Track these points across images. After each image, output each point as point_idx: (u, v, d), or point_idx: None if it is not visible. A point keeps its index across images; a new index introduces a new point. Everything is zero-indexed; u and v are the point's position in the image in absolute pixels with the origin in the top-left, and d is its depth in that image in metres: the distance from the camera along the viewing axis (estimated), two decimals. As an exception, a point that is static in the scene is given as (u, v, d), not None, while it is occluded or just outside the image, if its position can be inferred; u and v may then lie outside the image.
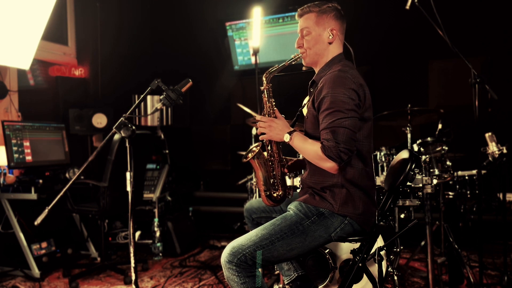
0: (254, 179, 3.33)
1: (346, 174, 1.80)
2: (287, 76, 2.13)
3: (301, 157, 2.07)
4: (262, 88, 1.97)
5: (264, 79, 1.96)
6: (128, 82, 4.77)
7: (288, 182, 2.46)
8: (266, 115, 1.97)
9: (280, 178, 2.00)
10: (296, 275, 2.14)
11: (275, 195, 1.99)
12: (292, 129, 1.87)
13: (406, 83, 4.45)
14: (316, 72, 1.97)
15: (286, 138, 1.85)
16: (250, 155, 1.98)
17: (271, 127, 1.89)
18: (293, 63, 1.97)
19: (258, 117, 1.94)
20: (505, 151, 2.88)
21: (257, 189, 3.27)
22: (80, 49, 4.63)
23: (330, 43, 1.92)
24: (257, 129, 1.95)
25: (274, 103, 1.98)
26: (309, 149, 1.78)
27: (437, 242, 3.10)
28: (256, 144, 2.02)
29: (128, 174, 2.09)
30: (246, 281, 1.73)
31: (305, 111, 2.17)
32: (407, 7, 2.56)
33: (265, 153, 2.01)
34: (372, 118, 1.87)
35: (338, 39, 1.93)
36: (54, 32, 4.32)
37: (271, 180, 2.00)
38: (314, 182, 1.88)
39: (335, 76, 1.78)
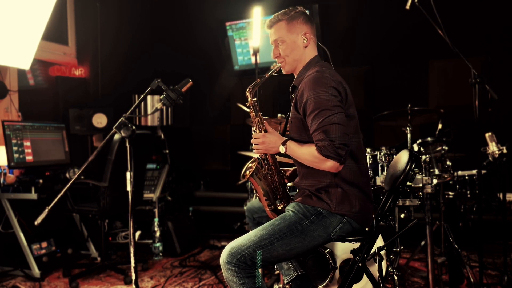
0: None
1: (339, 173, 1.80)
2: (287, 76, 2.14)
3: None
4: (248, 104, 1.97)
5: (248, 94, 1.97)
6: (128, 82, 4.77)
7: (289, 183, 2.46)
8: (257, 130, 1.97)
9: (282, 190, 2.00)
10: (295, 274, 2.14)
11: (280, 208, 1.99)
12: (284, 138, 1.88)
13: (406, 83, 4.45)
14: (295, 76, 1.99)
15: (282, 149, 1.86)
16: (248, 172, 1.98)
17: (265, 142, 1.90)
18: (273, 74, 1.99)
19: (253, 136, 1.95)
20: (505, 151, 2.88)
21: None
22: (80, 49, 4.64)
23: (305, 47, 1.94)
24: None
25: (262, 117, 1.98)
26: (305, 153, 1.78)
27: (437, 242, 3.10)
28: (252, 160, 2.02)
29: (128, 174, 2.09)
30: (246, 282, 1.73)
31: None
32: (407, 7, 2.57)
33: (262, 168, 2.00)
34: (357, 115, 1.89)
35: (312, 41, 1.96)
36: (54, 32, 4.31)
37: (274, 194, 2.00)
38: (308, 185, 1.89)
39: (314, 77, 1.80)
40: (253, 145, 1.94)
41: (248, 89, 1.97)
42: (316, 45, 2.00)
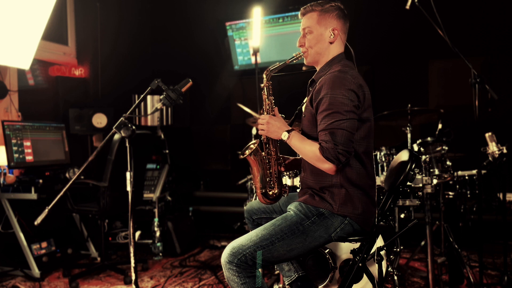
0: (250, 176, 3.33)
1: (345, 174, 1.80)
2: (287, 76, 2.14)
3: (299, 156, 2.08)
4: (262, 85, 1.97)
5: (264, 76, 1.96)
6: (128, 82, 4.77)
7: (288, 182, 2.46)
8: (265, 113, 1.97)
9: (277, 176, 2.00)
10: (296, 275, 2.14)
11: (270, 193, 1.99)
12: (290, 127, 1.87)
13: (406, 83, 4.45)
14: (317, 71, 1.97)
15: (284, 136, 1.85)
16: (247, 151, 1.98)
17: (269, 124, 1.89)
18: (294, 61, 1.97)
19: (254, 127, 1.95)
20: (505, 151, 2.88)
21: (257, 189, 3.27)
22: (80, 49, 4.63)
23: (331, 43, 1.92)
24: (257, 129, 1.96)
25: (273, 101, 1.98)
26: (307, 149, 1.78)
27: (437, 242, 3.11)
28: (254, 141, 2.02)
29: (128, 174, 2.09)
30: (246, 282, 1.73)
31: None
32: (407, 7, 2.57)
33: (263, 151, 2.01)
34: (372, 119, 1.87)
35: (339, 38, 1.93)
36: (54, 32, 4.31)
37: (267, 178, 2.00)
38: (313, 182, 1.88)
39: (335, 76, 1.78)
40: (258, 125, 1.94)
41: (266, 71, 1.95)
42: (344, 43, 1.97)
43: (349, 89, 1.75)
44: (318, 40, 1.91)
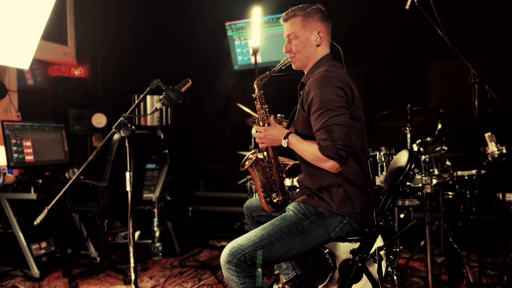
0: (250, 176, 3.33)
1: (342, 173, 1.81)
2: (287, 76, 2.14)
3: (297, 160, 2.08)
4: (254, 95, 1.98)
5: (255, 86, 1.97)
6: (128, 82, 4.77)
7: (288, 182, 2.46)
8: (260, 122, 1.98)
9: (279, 183, 2.01)
10: (294, 274, 2.14)
11: (275, 201, 2.00)
12: (287, 131, 1.88)
13: (406, 83, 4.45)
14: (305, 73, 1.98)
15: (284, 143, 1.87)
16: (247, 163, 1.98)
17: (267, 136, 1.91)
18: (283, 68, 1.99)
19: (254, 128, 1.95)
20: (504, 151, 2.88)
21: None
22: (79, 49, 4.63)
23: (318, 45, 1.93)
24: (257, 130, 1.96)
25: (267, 109, 1.98)
26: (307, 150, 1.79)
27: (437, 242, 3.11)
28: (253, 151, 2.03)
29: (127, 174, 2.09)
30: (246, 281, 1.73)
31: None
32: (407, 7, 2.56)
33: (262, 160, 2.01)
34: (364, 117, 1.88)
35: (325, 40, 1.95)
36: (54, 32, 4.31)
37: (270, 186, 2.00)
38: (310, 183, 1.88)
39: (321, 76, 1.80)
40: (256, 139, 1.94)
41: (256, 81, 1.96)
42: (330, 44, 1.99)
43: (336, 87, 1.76)
44: (305, 44, 1.92)
